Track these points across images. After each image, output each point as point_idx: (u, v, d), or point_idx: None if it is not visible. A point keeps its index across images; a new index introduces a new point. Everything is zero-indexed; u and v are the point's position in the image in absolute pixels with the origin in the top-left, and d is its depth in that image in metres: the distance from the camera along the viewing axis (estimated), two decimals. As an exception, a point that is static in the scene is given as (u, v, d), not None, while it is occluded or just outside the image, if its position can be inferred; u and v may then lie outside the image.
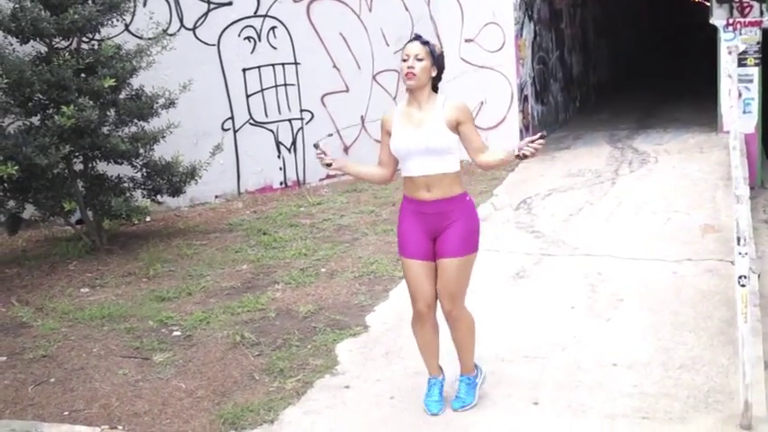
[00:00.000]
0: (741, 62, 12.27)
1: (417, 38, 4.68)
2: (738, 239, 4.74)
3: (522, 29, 12.62)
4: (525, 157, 4.49)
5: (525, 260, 7.66)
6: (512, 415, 4.84)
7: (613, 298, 6.57)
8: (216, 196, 10.77)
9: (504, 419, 4.80)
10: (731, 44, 12.39)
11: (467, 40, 12.27)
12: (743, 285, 4.65)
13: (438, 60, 4.66)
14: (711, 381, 5.11)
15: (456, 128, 4.62)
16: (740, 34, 12.44)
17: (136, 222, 9.25)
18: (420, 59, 4.57)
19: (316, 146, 4.86)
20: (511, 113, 12.24)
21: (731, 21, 12.43)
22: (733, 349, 5.44)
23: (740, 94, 12.05)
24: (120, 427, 4.84)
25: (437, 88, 4.74)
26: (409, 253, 4.72)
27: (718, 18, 12.50)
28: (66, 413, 5.09)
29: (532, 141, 4.47)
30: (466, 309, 4.85)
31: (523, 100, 12.64)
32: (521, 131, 12.37)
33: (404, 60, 4.60)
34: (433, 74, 4.65)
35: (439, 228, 4.67)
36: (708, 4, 13.96)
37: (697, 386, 5.05)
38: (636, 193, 9.89)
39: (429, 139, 4.57)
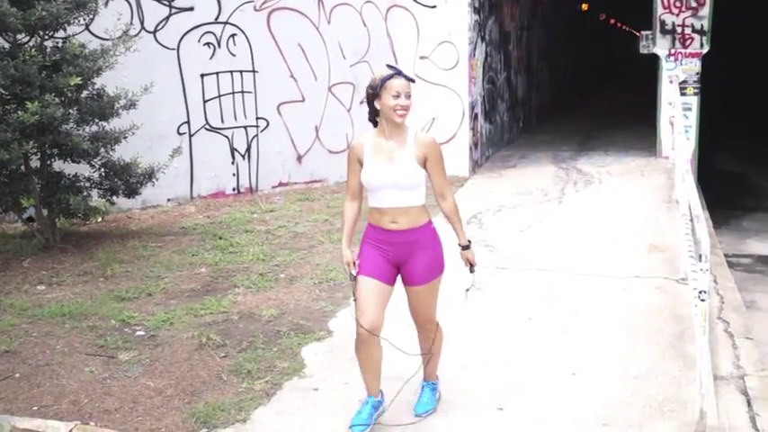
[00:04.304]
0: (681, 91, 12.76)
1: (401, 73, 4.63)
2: (700, 256, 4.97)
3: (475, 49, 12.86)
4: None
5: (480, 273, 7.78)
6: (478, 420, 4.98)
7: (569, 311, 6.77)
8: (168, 199, 10.75)
9: (471, 424, 4.93)
10: (672, 73, 12.91)
11: (422, 57, 12.45)
12: (702, 300, 4.87)
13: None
14: (665, 391, 5.33)
15: (424, 164, 4.64)
16: (681, 64, 12.93)
17: (89, 222, 9.18)
18: (408, 96, 4.59)
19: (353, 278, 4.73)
20: (462, 130, 12.45)
21: (673, 51, 12.92)
22: (684, 362, 5.69)
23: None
24: (93, 423, 4.83)
25: None
26: (366, 271, 4.70)
27: (660, 48, 12.98)
28: (36, 408, 5.06)
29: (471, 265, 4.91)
30: (438, 324, 4.96)
31: (474, 118, 12.87)
32: (470, 148, 12.59)
33: (395, 96, 4.55)
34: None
35: (404, 255, 4.71)
36: (638, 35, 14.49)
37: (652, 395, 5.26)
38: (583, 212, 10.18)
39: (401, 175, 4.59)
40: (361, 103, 11.79)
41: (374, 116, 4.70)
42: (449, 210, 4.79)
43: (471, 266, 4.91)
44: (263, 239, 8.95)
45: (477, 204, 10.64)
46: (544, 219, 9.89)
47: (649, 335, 6.24)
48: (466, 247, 4.87)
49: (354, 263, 4.71)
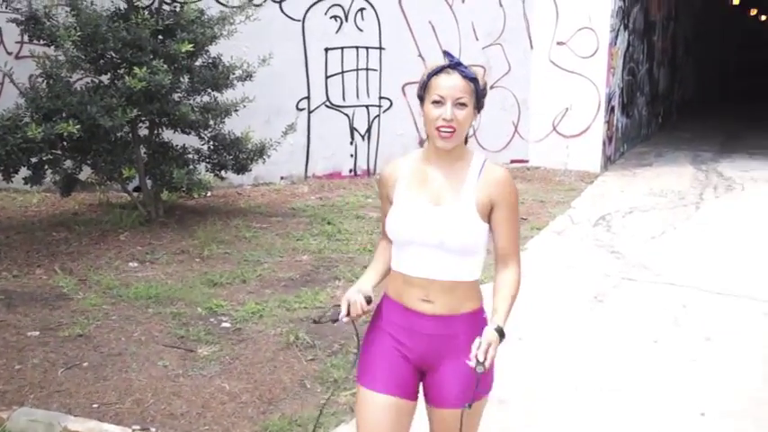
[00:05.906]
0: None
1: (456, 65, 2.87)
2: None
3: (616, 37, 12.03)
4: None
5: (604, 282, 7.12)
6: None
7: (699, 335, 6.01)
8: (282, 177, 10.40)
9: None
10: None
11: (558, 43, 11.74)
12: None
13: (481, 101, 2.94)
14: (814, 444, 4.56)
15: (489, 213, 2.95)
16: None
17: (195, 197, 8.88)
18: (462, 104, 2.85)
19: (335, 321, 2.98)
20: (596, 123, 11.70)
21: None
22: (838, 410, 4.88)
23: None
24: (153, 429, 4.36)
25: (467, 138, 2.99)
26: (372, 382, 3.00)
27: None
28: (96, 405, 4.61)
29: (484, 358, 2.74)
30: None
31: (610, 111, 12.07)
32: (604, 143, 11.82)
33: (436, 103, 2.86)
34: (474, 121, 2.95)
35: (435, 355, 2.97)
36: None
37: (797, 449, 4.51)
38: (722, 221, 9.36)
39: (449, 230, 2.89)
40: (491, 87, 11.14)
41: None
42: (508, 283, 2.96)
43: (483, 360, 2.73)
44: (374, 228, 8.44)
45: (606, 204, 9.92)
46: (679, 225, 9.08)
47: (795, 373, 5.44)
48: (498, 332, 2.81)
49: (358, 306, 2.89)
